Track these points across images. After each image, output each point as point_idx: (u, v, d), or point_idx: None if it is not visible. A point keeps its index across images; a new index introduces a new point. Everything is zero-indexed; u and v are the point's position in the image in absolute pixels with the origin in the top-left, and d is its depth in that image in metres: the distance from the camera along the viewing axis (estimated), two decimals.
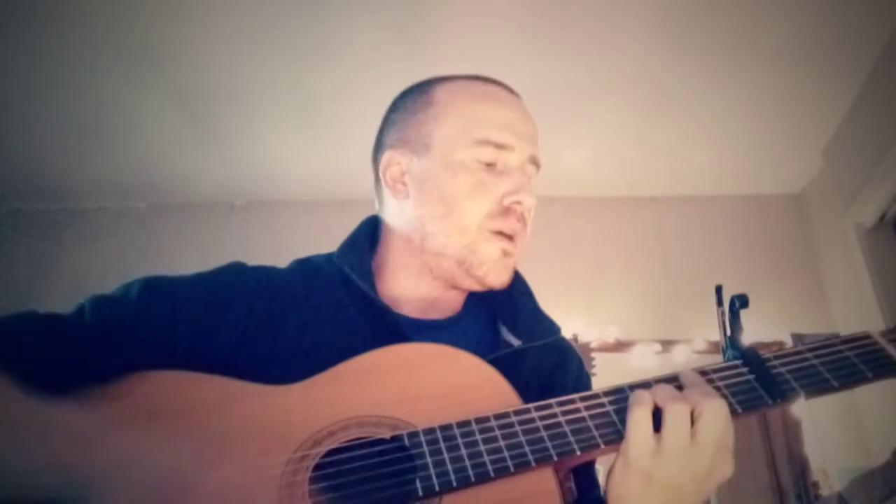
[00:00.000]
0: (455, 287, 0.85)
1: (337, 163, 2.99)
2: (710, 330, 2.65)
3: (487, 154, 0.82)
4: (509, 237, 0.81)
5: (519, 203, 0.81)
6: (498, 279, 0.82)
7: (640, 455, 0.60)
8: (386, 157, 0.87)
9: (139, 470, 0.54)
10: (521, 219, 0.82)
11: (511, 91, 0.90)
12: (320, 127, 2.84)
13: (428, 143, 0.84)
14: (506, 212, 0.81)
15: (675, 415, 0.60)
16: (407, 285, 0.85)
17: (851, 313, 2.66)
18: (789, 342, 2.64)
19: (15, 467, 0.55)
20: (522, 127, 0.85)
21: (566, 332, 2.94)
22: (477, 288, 0.83)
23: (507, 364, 0.71)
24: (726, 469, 0.62)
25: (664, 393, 0.62)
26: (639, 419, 0.61)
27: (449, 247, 0.81)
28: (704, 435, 0.60)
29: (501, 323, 0.87)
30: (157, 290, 0.74)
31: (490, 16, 2.32)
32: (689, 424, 0.60)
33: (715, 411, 0.60)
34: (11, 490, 0.54)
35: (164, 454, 0.56)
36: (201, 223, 3.24)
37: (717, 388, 0.65)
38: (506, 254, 0.81)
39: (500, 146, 0.82)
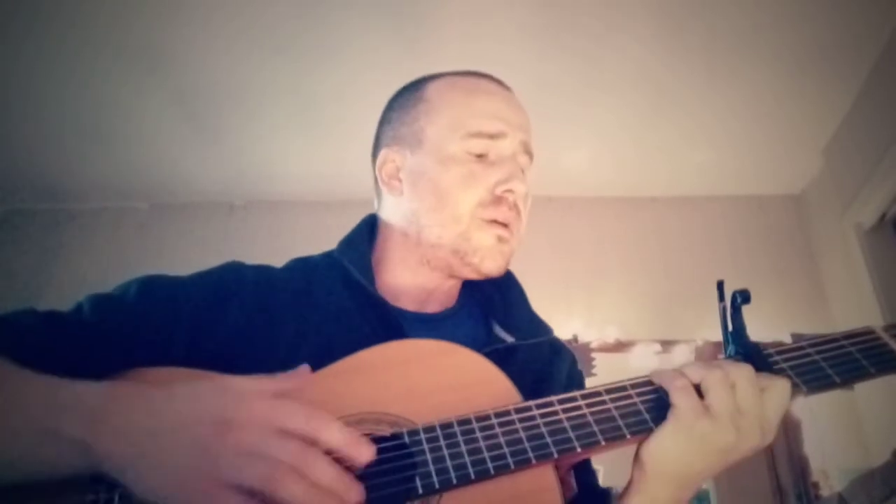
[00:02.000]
0: (452, 276, 0.85)
1: (336, 163, 2.99)
2: (710, 330, 2.65)
3: (479, 146, 0.82)
4: (504, 225, 0.81)
5: (510, 192, 0.81)
6: (494, 265, 0.82)
7: (695, 418, 0.60)
8: (381, 154, 0.89)
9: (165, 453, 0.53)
10: (514, 207, 0.82)
11: (502, 84, 0.90)
12: (320, 127, 2.84)
13: (420, 139, 0.85)
14: (498, 201, 0.81)
15: (716, 381, 0.61)
16: (405, 278, 0.85)
17: (851, 313, 2.66)
18: (789, 343, 2.64)
19: (28, 444, 0.54)
20: (513, 116, 0.85)
21: (566, 333, 2.93)
22: (474, 276, 0.83)
23: (499, 359, 0.71)
24: (768, 436, 0.63)
25: (695, 367, 0.64)
26: (685, 386, 0.62)
27: (443, 237, 0.81)
28: (744, 399, 0.61)
29: (494, 320, 0.87)
30: (156, 289, 0.74)
31: (490, 16, 2.32)
32: (731, 389, 0.61)
33: (747, 377, 0.62)
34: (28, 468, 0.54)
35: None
36: (201, 223, 3.24)
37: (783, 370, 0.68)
38: (501, 240, 0.81)
39: (492, 136, 0.82)
